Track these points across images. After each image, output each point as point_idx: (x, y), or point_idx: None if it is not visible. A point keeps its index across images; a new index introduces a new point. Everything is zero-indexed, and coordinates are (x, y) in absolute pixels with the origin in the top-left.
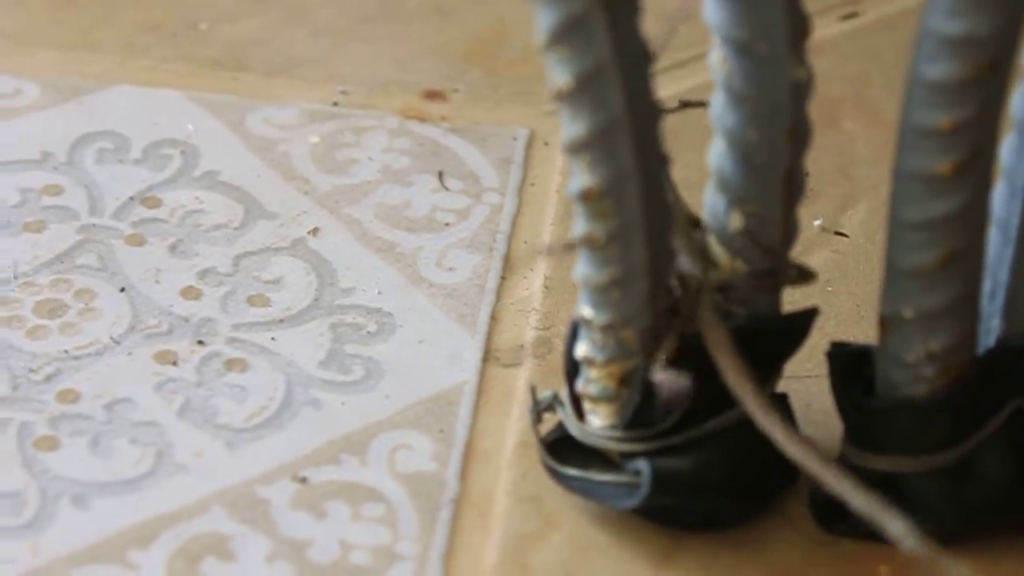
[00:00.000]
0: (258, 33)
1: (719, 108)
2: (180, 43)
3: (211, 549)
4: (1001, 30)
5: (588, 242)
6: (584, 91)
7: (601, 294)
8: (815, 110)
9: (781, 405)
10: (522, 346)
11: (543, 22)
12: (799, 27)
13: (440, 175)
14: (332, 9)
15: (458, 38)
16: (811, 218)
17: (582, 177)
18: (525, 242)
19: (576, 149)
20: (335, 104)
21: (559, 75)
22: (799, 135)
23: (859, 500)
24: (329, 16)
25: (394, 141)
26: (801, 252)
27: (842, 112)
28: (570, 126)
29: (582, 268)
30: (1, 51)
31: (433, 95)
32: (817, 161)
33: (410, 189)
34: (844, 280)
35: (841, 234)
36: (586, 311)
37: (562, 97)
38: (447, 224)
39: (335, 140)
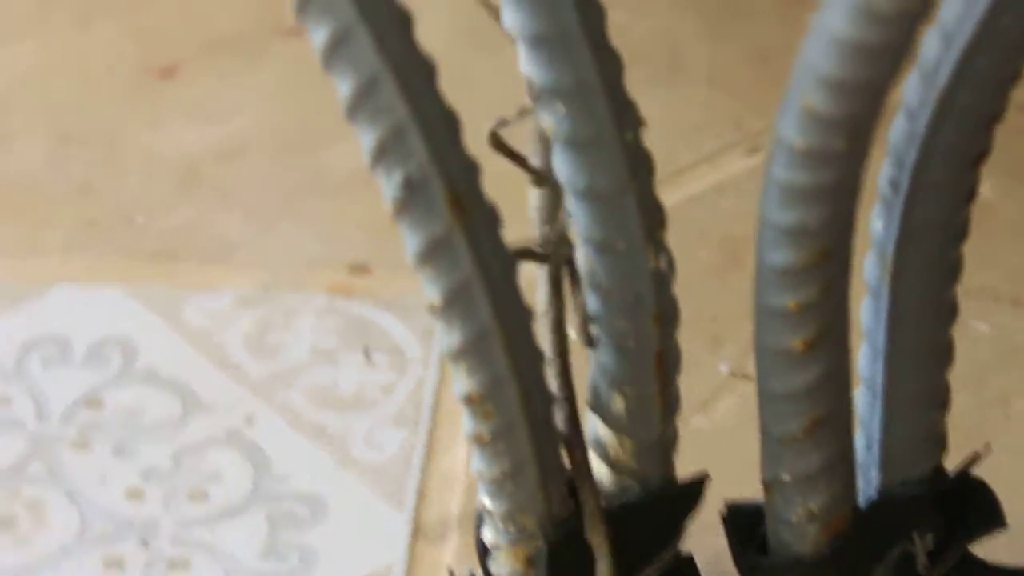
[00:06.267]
0: (192, 221)
1: (589, 300)
2: (118, 238)
3: None
4: (831, 220)
5: (476, 440)
6: (454, 306)
7: (495, 486)
8: (719, 250)
9: (687, 566)
10: (448, 520)
11: (410, 245)
12: (655, 219)
13: (366, 351)
14: (262, 189)
15: (381, 209)
16: (717, 363)
17: (462, 383)
18: (449, 412)
19: (454, 358)
20: (266, 287)
21: (430, 292)
22: (665, 319)
23: None
24: (259, 196)
25: (322, 320)
26: (707, 399)
27: (746, 250)
28: (446, 338)
29: (476, 463)
30: None
31: (359, 269)
32: (722, 304)
33: (338, 368)
34: (751, 425)
35: (748, 377)
36: (486, 501)
37: (435, 312)
38: (374, 401)
39: (267, 324)
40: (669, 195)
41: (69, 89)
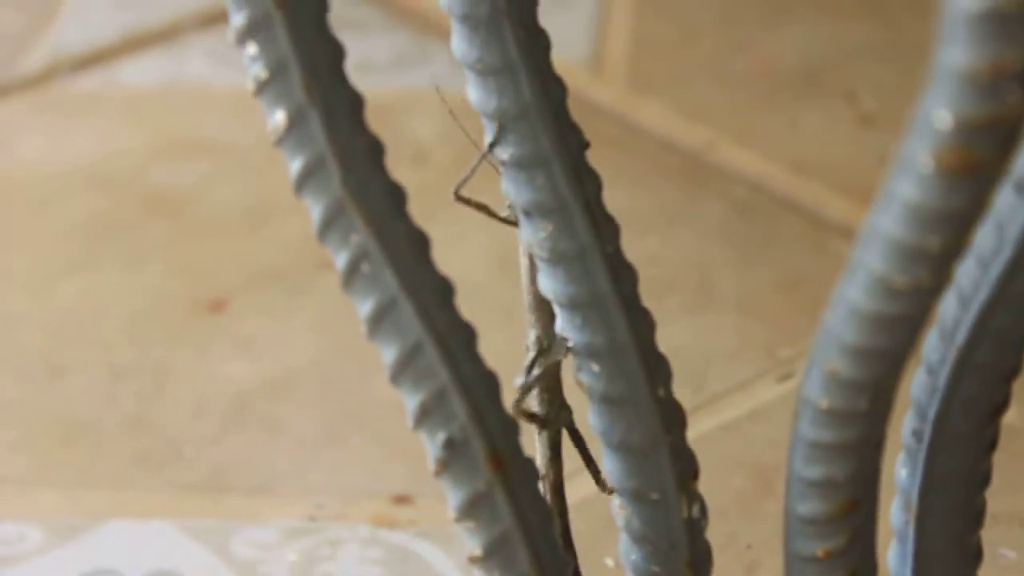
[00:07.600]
0: (239, 453)
1: (624, 546)
2: (167, 472)
3: None
4: (856, 473)
5: None
6: (494, 557)
7: None
8: (753, 477)
9: None
10: None
11: (452, 500)
12: (687, 470)
13: None
14: (308, 419)
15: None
16: None
17: None
18: None
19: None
20: (312, 518)
21: (471, 544)
22: (699, 564)
23: None
24: (305, 426)
25: (366, 551)
26: None
27: (780, 478)
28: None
29: None
30: (5, 497)
31: (401, 499)
32: (756, 531)
33: None
34: None
35: None
36: None
37: (476, 562)
38: None
39: (312, 555)
40: (702, 422)
41: (120, 325)
